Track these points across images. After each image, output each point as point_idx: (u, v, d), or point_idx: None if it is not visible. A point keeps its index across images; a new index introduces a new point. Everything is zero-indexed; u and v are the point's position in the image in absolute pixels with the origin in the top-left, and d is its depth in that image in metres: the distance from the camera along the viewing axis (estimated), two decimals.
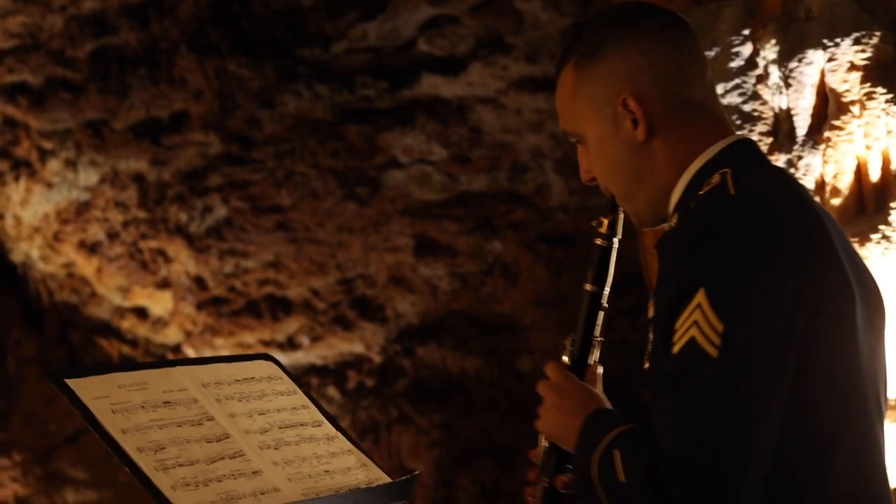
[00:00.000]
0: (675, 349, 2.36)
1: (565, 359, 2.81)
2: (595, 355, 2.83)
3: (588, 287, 2.80)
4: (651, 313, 2.59)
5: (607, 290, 2.81)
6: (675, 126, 2.59)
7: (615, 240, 2.79)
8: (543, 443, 2.78)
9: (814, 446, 2.42)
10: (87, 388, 2.67)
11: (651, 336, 2.57)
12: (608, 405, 2.71)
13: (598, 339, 2.82)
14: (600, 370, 2.84)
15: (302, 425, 2.90)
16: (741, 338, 2.32)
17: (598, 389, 2.79)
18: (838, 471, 2.44)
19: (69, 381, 2.66)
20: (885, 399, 2.59)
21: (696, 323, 2.34)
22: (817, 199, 4.54)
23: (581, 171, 2.74)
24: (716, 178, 2.49)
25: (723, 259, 2.36)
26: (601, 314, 2.81)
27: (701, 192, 2.49)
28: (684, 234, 2.46)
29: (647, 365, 2.59)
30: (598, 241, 2.79)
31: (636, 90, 2.58)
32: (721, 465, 2.29)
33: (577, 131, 2.68)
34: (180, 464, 2.63)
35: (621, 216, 2.77)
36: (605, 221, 2.78)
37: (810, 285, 2.39)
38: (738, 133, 2.64)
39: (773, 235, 2.38)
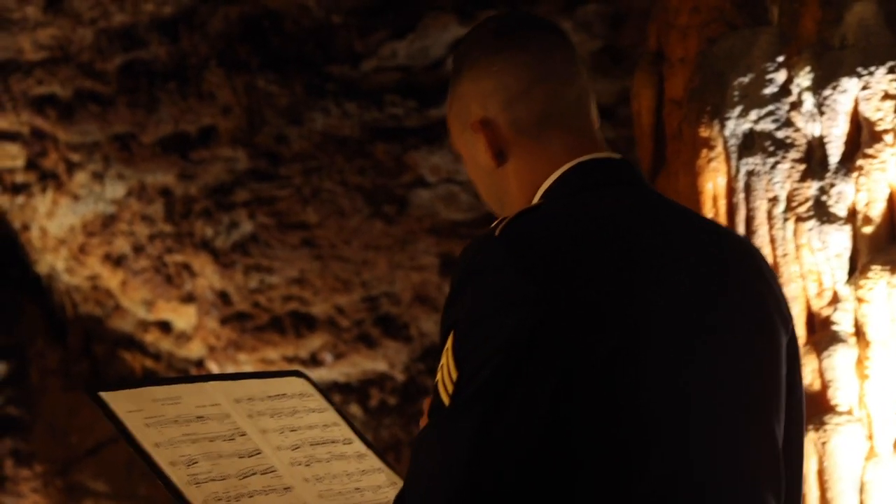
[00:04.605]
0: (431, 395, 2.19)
1: None
2: None
3: None
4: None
5: None
6: (524, 150, 2.36)
7: None
8: None
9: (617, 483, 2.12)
10: (120, 402, 2.66)
11: None
12: None
13: None
14: None
15: (333, 442, 2.89)
16: (466, 390, 2.09)
17: None
18: None
19: (103, 395, 2.66)
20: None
21: (441, 367, 2.15)
22: (848, 227, 4.53)
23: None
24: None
25: (465, 304, 2.17)
26: None
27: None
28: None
29: None
30: None
31: (485, 115, 2.36)
32: None
33: (456, 150, 2.47)
34: (212, 478, 2.62)
35: None
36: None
37: (562, 337, 2.12)
38: (613, 153, 2.37)
39: (513, 283, 2.14)
